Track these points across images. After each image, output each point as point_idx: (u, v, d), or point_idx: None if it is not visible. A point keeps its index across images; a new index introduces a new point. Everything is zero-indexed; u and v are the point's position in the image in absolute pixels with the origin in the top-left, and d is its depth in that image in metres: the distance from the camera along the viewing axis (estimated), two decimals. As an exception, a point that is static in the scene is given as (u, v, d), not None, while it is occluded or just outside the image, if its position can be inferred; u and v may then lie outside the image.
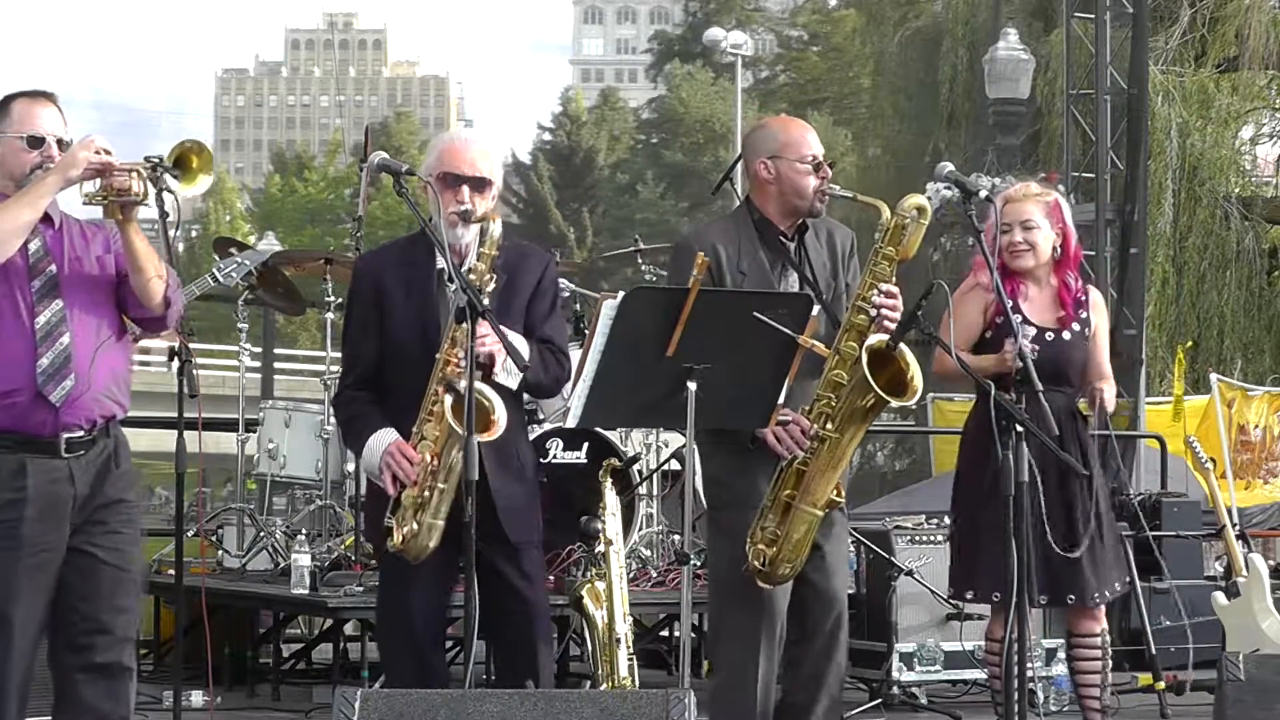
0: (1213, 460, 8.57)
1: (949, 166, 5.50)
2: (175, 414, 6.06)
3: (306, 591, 7.27)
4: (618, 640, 5.27)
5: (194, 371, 5.98)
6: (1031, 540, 5.44)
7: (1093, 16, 14.05)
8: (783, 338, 4.93)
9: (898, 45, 25.46)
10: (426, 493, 4.79)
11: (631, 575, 7.23)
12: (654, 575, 7.72)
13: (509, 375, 4.90)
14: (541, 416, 7.64)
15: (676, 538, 7.62)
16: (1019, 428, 5.12)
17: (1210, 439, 11.85)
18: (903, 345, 5.15)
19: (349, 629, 8.02)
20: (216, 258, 8.01)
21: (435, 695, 4.07)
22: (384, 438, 4.88)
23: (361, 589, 7.15)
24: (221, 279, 7.80)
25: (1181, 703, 7.61)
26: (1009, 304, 5.51)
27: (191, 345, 5.96)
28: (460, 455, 4.67)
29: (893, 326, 5.16)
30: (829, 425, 5.19)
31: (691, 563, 5.09)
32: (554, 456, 7.49)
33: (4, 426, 4.58)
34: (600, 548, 5.40)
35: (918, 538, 7.61)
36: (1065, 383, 5.85)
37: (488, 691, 4.27)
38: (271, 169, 72.20)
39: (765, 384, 5.07)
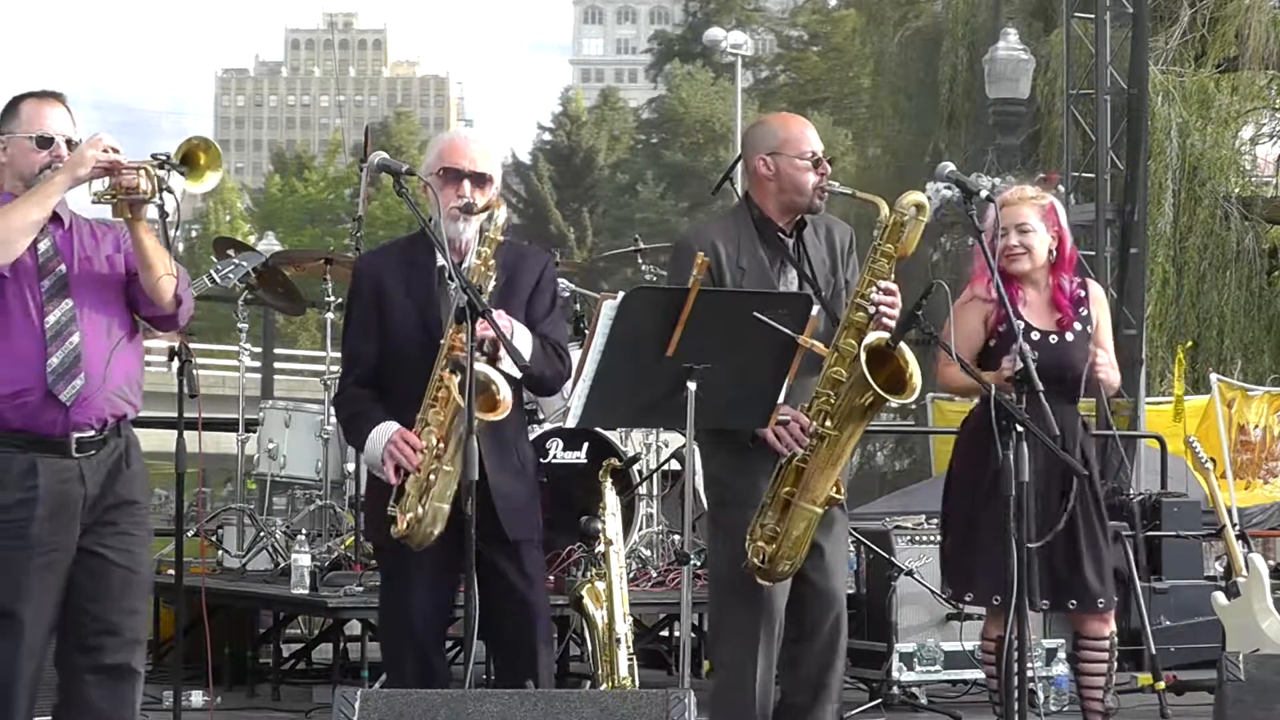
0: (1213, 460, 8.57)
1: (950, 166, 5.49)
2: (175, 414, 6.06)
3: (306, 591, 7.27)
4: (618, 640, 5.27)
5: (194, 371, 5.97)
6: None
7: (1093, 16, 14.04)
8: (782, 337, 4.93)
9: (898, 45, 25.46)
10: (431, 476, 4.78)
11: (631, 575, 7.23)
12: (654, 575, 7.72)
13: (513, 363, 4.88)
14: (541, 416, 7.64)
15: (676, 538, 7.62)
16: (1019, 428, 5.12)
17: (1210, 439, 11.84)
18: (902, 344, 5.15)
19: (355, 629, 8.02)
20: (215, 259, 8.01)
21: (435, 695, 4.07)
22: (386, 429, 4.87)
23: (361, 589, 7.15)
24: (219, 280, 7.80)
25: (1181, 703, 7.61)
26: (1009, 308, 5.50)
27: (191, 345, 5.95)
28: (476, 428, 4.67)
29: (892, 324, 5.16)
30: (828, 423, 5.19)
31: (691, 563, 5.09)
32: (554, 456, 7.49)
33: (15, 426, 4.58)
34: (600, 548, 5.40)
35: (918, 538, 7.61)
36: (1067, 385, 5.84)
37: (488, 691, 4.26)
38: (271, 169, 72.21)
39: (765, 384, 5.06)
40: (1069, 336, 5.88)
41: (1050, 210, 5.96)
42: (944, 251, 23.18)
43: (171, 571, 6.77)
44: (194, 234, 58.43)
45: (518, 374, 4.85)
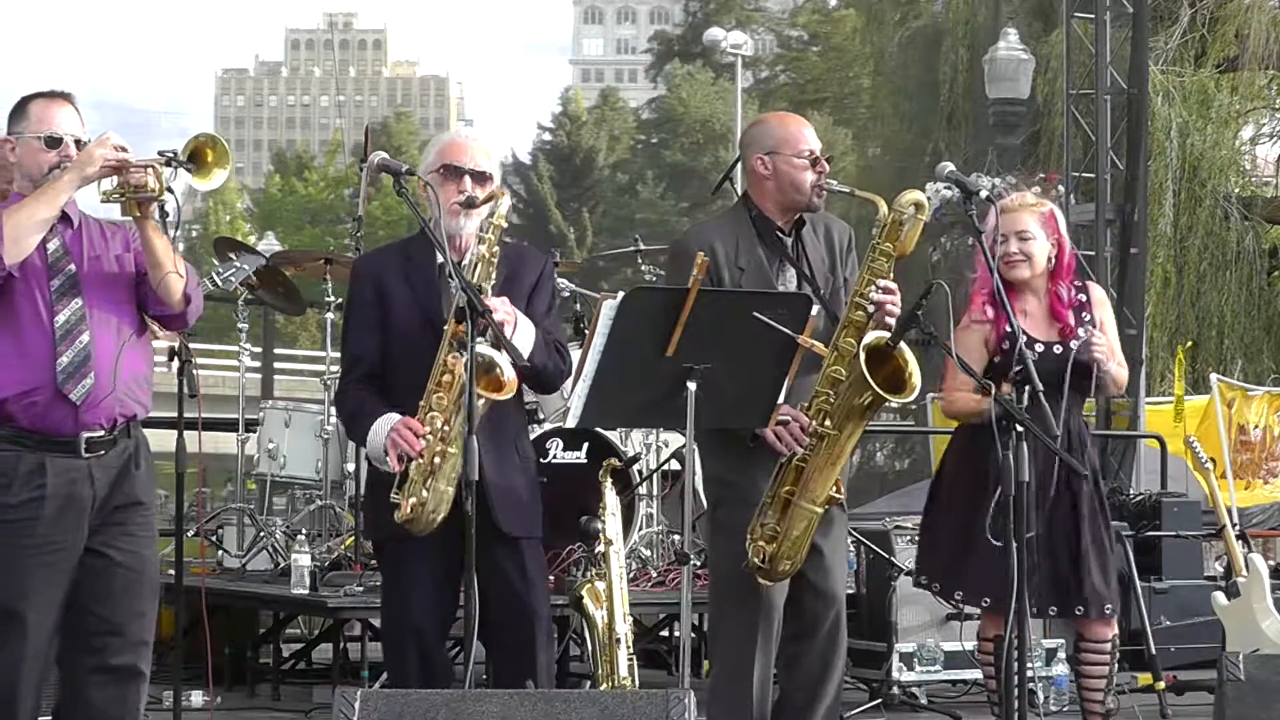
0: (1213, 460, 8.57)
1: (950, 166, 5.49)
2: (175, 414, 6.06)
3: (306, 591, 7.27)
4: (618, 640, 5.26)
5: (194, 371, 5.97)
6: (1038, 551, 5.45)
7: (1093, 16, 14.03)
8: (782, 337, 4.93)
9: (898, 45, 25.47)
10: (436, 459, 4.77)
11: (631, 575, 7.23)
12: (654, 575, 7.72)
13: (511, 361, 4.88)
14: (541, 416, 7.64)
15: (676, 538, 7.62)
16: (1019, 427, 5.11)
17: (1210, 439, 11.83)
18: (902, 343, 5.14)
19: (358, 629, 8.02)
20: (216, 261, 8.01)
21: (435, 695, 4.07)
22: (388, 420, 4.86)
23: (361, 589, 7.15)
24: (220, 283, 7.81)
25: (1181, 703, 7.61)
26: (1009, 309, 5.48)
27: (191, 345, 5.95)
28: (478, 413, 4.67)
29: (892, 321, 5.16)
30: (827, 422, 5.19)
31: (691, 563, 5.09)
32: (554, 456, 7.49)
33: (24, 425, 4.58)
34: (600, 548, 5.40)
35: (917, 538, 7.60)
36: (1073, 391, 5.82)
37: (488, 691, 4.26)
38: (271, 169, 72.19)
39: (765, 383, 5.06)
40: (1073, 344, 5.86)
41: (1050, 217, 5.95)
42: (944, 251, 23.20)
43: (172, 571, 6.77)
44: (194, 234, 58.40)
45: (523, 358, 4.84)
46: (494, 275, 4.92)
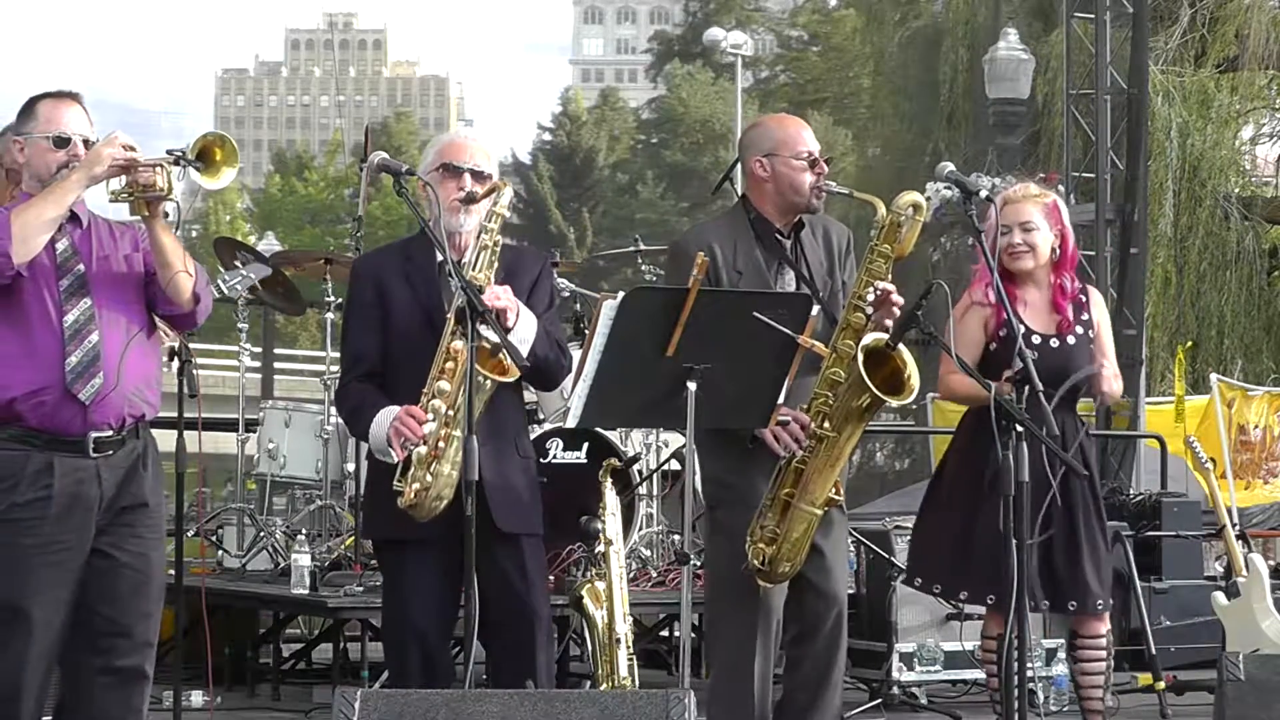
0: (1213, 460, 8.56)
1: (949, 166, 5.49)
2: (175, 414, 6.06)
3: (306, 591, 7.27)
4: (618, 640, 5.26)
5: (194, 371, 5.98)
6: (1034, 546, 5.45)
7: (1093, 16, 14.03)
8: (782, 337, 4.93)
9: (898, 45, 25.46)
10: (440, 443, 4.77)
11: (631, 575, 7.23)
12: (654, 575, 7.72)
13: (519, 339, 4.88)
14: (541, 416, 7.64)
15: (676, 538, 7.62)
16: (1019, 427, 5.11)
17: (1210, 439, 11.83)
18: (900, 345, 5.14)
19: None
20: (221, 269, 8.01)
21: (435, 695, 4.07)
22: (390, 412, 4.85)
23: (361, 589, 7.15)
24: (226, 290, 7.83)
25: (1181, 703, 7.61)
26: (1010, 310, 5.49)
27: (191, 345, 5.96)
28: (480, 395, 4.69)
29: (896, 313, 5.16)
30: (826, 424, 5.19)
31: (691, 563, 5.09)
32: (554, 456, 7.48)
33: (33, 424, 4.57)
34: (600, 548, 5.40)
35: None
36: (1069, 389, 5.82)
37: (487, 691, 4.26)
38: (271, 169, 72.18)
39: (765, 384, 5.06)
40: (1070, 340, 5.87)
41: (1053, 208, 5.95)
42: (944, 251, 23.18)
43: (171, 571, 6.77)
44: (194, 234, 58.35)
45: (524, 351, 4.84)
46: (496, 264, 4.93)
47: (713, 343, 4.87)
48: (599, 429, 7.42)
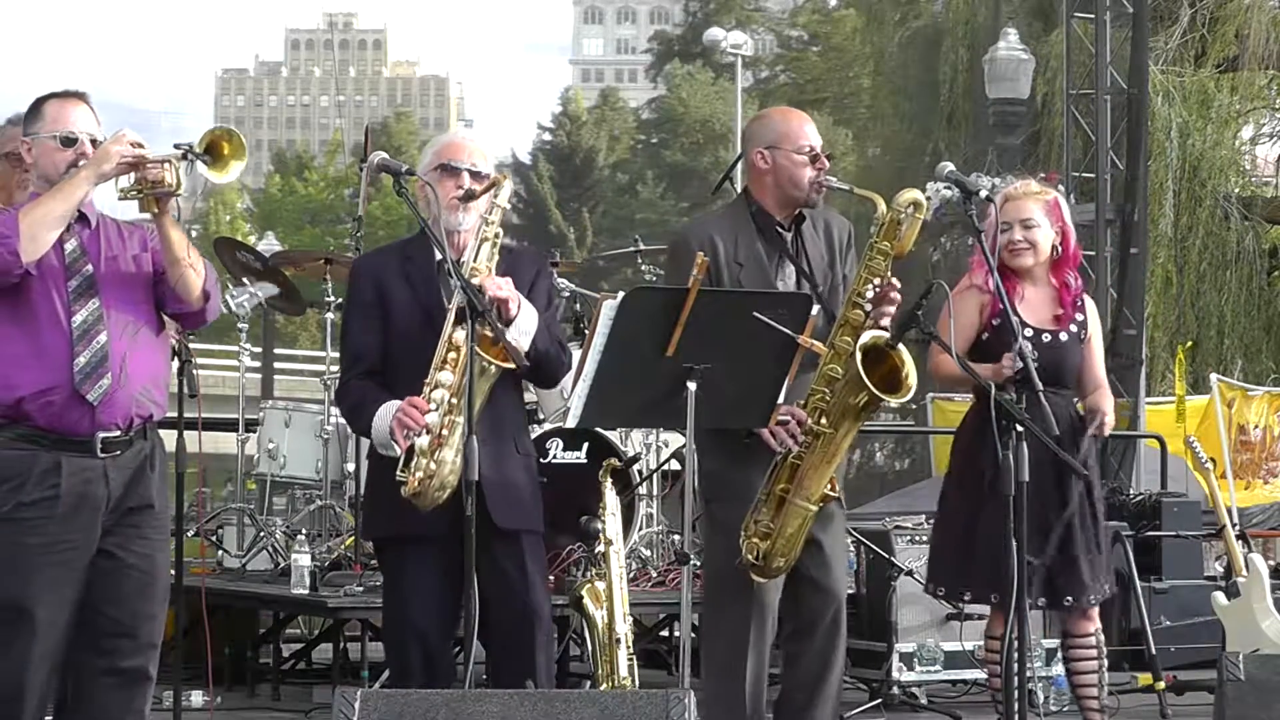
0: (1213, 460, 8.56)
1: (949, 166, 5.49)
2: (175, 414, 6.05)
3: (306, 591, 7.27)
4: (618, 640, 5.26)
5: (194, 371, 5.97)
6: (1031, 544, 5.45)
7: (1093, 16, 14.04)
8: (782, 337, 4.93)
9: (898, 45, 25.46)
10: (444, 430, 4.77)
11: (631, 575, 7.22)
12: (654, 575, 7.72)
13: (521, 331, 4.89)
14: (541, 416, 7.64)
15: (676, 538, 7.62)
16: (1019, 427, 5.11)
17: (1210, 439, 11.84)
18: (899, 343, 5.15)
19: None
20: (230, 286, 8.03)
21: (435, 695, 4.07)
22: (392, 405, 4.85)
23: (361, 589, 7.15)
24: (235, 308, 7.89)
25: (1181, 703, 7.61)
26: (1009, 307, 5.49)
27: (191, 345, 5.95)
28: (483, 381, 4.69)
29: (893, 309, 5.17)
30: (823, 421, 5.19)
31: (691, 563, 5.08)
32: (554, 456, 7.48)
33: (41, 424, 4.57)
34: (600, 548, 5.40)
35: (918, 538, 7.61)
36: (1062, 385, 5.84)
37: (487, 691, 4.26)
38: (271, 169, 72.14)
39: (765, 383, 5.06)
40: (1063, 336, 5.87)
41: (1054, 205, 5.96)
42: (944, 251, 23.18)
43: (172, 571, 6.77)
44: (194, 234, 58.22)
45: (525, 345, 4.84)
46: (496, 257, 4.93)
47: (713, 342, 4.87)
48: (599, 429, 7.42)
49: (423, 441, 4.76)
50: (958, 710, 7.44)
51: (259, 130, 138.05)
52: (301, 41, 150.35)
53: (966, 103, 21.47)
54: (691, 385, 4.85)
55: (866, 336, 5.14)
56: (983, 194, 5.53)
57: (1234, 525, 8.00)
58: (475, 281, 4.80)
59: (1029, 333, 5.74)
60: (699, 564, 6.50)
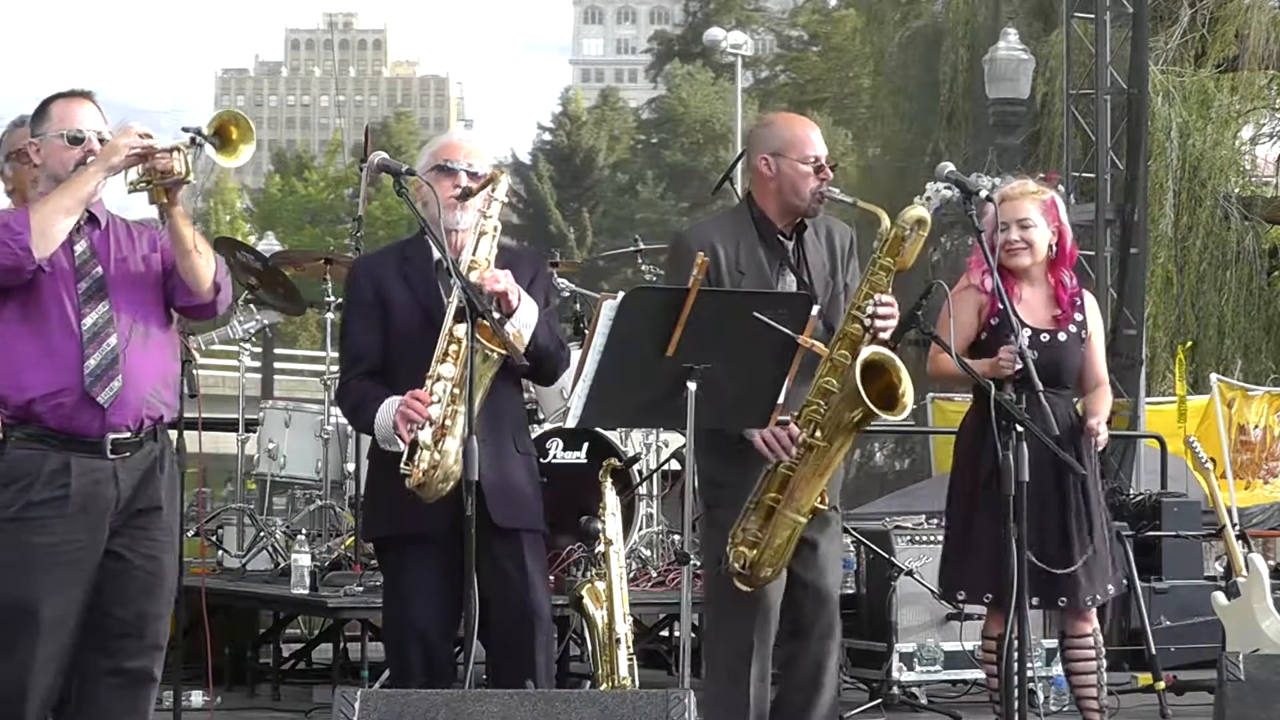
0: (1213, 460, 8.57)
1: (949, 166, 5.49)
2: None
3: (306, 591, 7.27)
4: (618, 640, 5.26)
5: (194, 371, 5.97)
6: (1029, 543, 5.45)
7: (1093, 16, 14.03)
8: (782, 337, 4.93)
9: (898, 45, 25.45)
10: (448, 420, 4.77)
11: (631, 575, 7.22)
12: (654, 575, 7.72)
13: (521, 324, 4.89)
14: (541, 416, 7.64)
15: (676, 538, 7.62)
16: (1019, 427, 5.11)
17: (1210, 439, 11.84)
18: (897, 360, 5.12)
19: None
20: (234, 311, 8.05)
21: (435, 695, 4.07)
22: (393, 400, 4.86)
23: (361, 589, 7.15)
24: (240, 333, 7.95)
25: (1181, 703, 7.61)
26: (1009, 307, 5.49)
27: (191, 345, 5.95)
28: (485, 368, 4.69)
29: (886, 337, 5.15)
30: (817, 433, 5.17)
31: (691, 563, 5.08)
32: (554, 456, 7.49)
33: (51, 425, 4.56)
34: (600, 548, 5.40)
35: (918, 538, 7.61)
36: (1061, 384, 5.84)
37: (487, 691, 4.26)
38: (271, 169, 72.16)
39: (765, 384, 5.06)
40: (1061, 336, 5.87)
41: (1051, 205, 5.96)
42: (944, 251, 23.18)
43: (172, 571, 6.77)
44: (194, 234, 58.25)
45: (526, 338, 4.84)
46: (495, 250, 4.94)
47: (713, 343, 4.87)
48: (599, 429, 7.42)
49: (425, 435, 4.76)
50: (958, 710, 7.44)
51: (259, 130, 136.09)
52: (301, 41, 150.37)
53: (966, 103, 21.46)
54: (691, 385, 4.84)
55: (866, 352, 5.11)
56: (983, 194, 5.53)
57: (1234, 525, 8.00)
58: (473, 276, 4.81)
59: (1027, 333, 5.74)
60: (699, 564, 6.51)
